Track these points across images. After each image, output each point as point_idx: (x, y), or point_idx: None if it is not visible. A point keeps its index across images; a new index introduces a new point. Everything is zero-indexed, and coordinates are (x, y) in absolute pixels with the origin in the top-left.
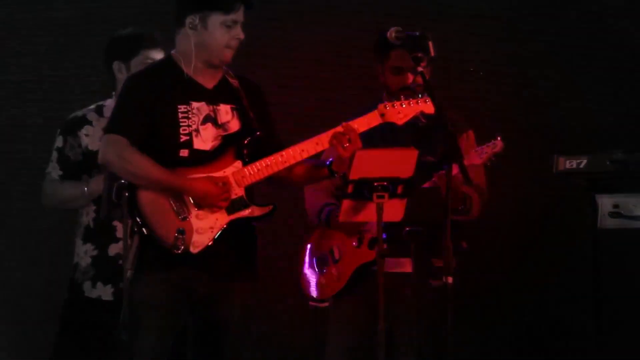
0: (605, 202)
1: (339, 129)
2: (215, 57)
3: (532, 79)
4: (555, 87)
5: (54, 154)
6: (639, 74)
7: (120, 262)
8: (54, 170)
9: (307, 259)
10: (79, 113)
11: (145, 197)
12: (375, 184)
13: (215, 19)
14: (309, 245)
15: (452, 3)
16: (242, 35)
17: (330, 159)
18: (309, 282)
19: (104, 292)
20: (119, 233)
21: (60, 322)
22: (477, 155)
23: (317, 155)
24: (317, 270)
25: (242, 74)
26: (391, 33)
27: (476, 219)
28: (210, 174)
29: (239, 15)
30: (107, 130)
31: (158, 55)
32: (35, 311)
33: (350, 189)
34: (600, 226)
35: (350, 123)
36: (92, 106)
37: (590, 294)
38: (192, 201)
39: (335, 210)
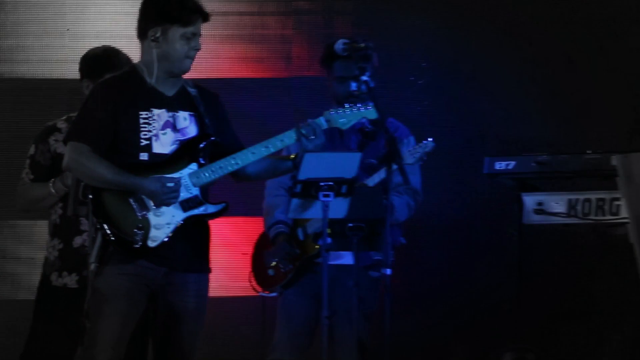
0: (530, 200)
1: (306, 123)
2: (176, 66)
3: (467, 85)
4: (488, 94)
5: (27, 161)
6: (561, 81)
7: (84, 252)
8: (26, 176)
9: (256, 252)
10: (50, 123)
11: (108, 197)
12: (322, 184)
13: (175, 32)
14: (259, 240)
15: (391, 10)
16: (199, 47)
17: (294, 153)
18: (259, 275)
19: (69, 280)
20: (83, 226)
21: (33, 313)
22: (410, 154)
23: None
24: (267, 263)
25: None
26: (338, 45)
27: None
28: (162, 175)
29: (197, 27)
30: (69, 137)
31: None
32: None
33: (299, 188)
34: (525, 222)
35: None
36: (64, 117)
37: (515, 280)
38: (150, 200)
39: (284, 233)
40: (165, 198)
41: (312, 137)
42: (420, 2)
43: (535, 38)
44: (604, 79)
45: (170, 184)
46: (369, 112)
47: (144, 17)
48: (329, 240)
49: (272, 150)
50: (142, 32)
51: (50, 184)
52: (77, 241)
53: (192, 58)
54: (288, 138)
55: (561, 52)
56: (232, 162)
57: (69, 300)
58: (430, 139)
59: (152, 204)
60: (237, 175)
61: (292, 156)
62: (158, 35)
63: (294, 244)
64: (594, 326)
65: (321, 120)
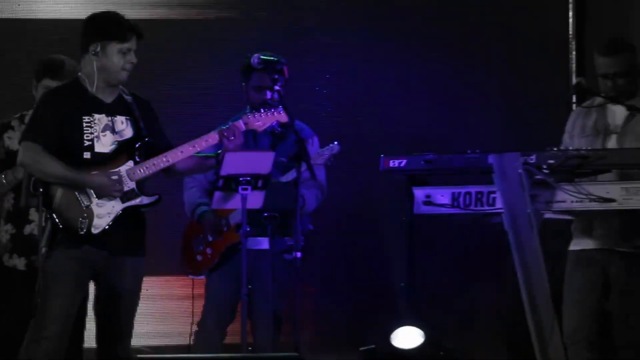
0: (420, 194)
1: (227, 126)
2: (114, 78)
3: (364, 93)
4: (383, 101)
5: None
6: (448, 88)
7: (33, 239)
8: None
9: (186, 240)
10: (5, 120)
11: (56, 190)
12: (241, 179)
13: (113, 47)
14: (186, 231)
15: (301, 29)
16: (135, 60)
17: (218, 151)
18: (189, 260)
19: (19, 262)
20: (32, 216)
21: None
22: (319, 156)
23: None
24: (195, 250)
25: (135, 92)
26: (254, 59)
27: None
28: (105, 170)
29: (132, 43)
30: (24, 138)
31: (55, 84)
32: None
33: (221, 182)
34: (416, 212)
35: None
36: (17, 115)
37: (407, 263)
38: (93, 193)
39: (208, 212)
40: (112, 189)
41: (232, 138)
42: (325, 23)
43: (429, 46)
44: (486, 84)
45: (115, 177)
46: (281, 116)
47: (86, 34)
48: (247, 228)
49: (198, 149)
50: (84, 46)
51: (3, 176)
52: (27, 229)
53: (128, 70)
54: (212, 138)
55: (452, 61)
56: (164, 159)
57: (16, 281)
58: (335, 142)
59: (94, 196)
60: (168, 171)
61: (216, 154)
62: (98, 50)
63: (219, 220)
64: (474, 301)
65: (240, 122)
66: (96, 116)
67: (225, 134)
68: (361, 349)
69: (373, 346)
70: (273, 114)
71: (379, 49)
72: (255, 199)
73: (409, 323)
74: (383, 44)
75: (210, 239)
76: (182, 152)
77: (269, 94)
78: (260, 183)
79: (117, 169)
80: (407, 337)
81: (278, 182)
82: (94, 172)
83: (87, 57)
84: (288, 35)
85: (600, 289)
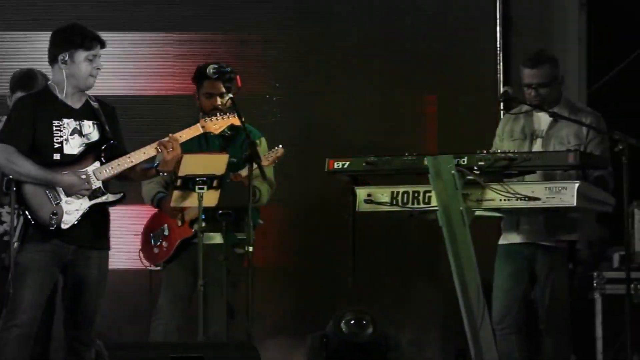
0: (362, 193)
1: (166, 139)
2: (82, 84)
3: (311, 100)
4: (328, 106)
5: None
6: (388, 96)
7: (4, 238)
8: None
9: (145, 234)
10: None
11: (28, 188)
12: (197, 179)
13: (80, 55)
14: (146, 224)
15: (252, 42)
16: (101, 66)
17: (157, 162)
18: (147, 252)
19: None
20: (4, 217)
21: None
22: (265, 159)
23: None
24: (152, 243)
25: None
26: (209, 69)
27: (267, 204)
28: (74, 171)
29: (97, 51)
30: None
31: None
32: None
33: (179, 182)
34: (358, 210)
35: (177, 134)
36: None
37: (350, 255)
38: (62, 191)
39: (165, 197)
40: (81, 188)
41: (170, 149)
42: (273, 33)
43: (369, 54)
44: (423, 92)
45: (83, 177)
46: (235, 120)
47: (54, 45)
48: (203, 224)
49: (153, 153)
50: (53, 57)
51: None
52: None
53: (95, 76)
54: (150, 150)
55: (393, 71)
56: (129, 160)
57: None
58: (280, 146)
59: (63, 194)
60: (126, 174)
61: (155, 165)
62: (66, 58)
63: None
64: (413, 287)
65: (197, 126)
66: (65, 120)
67: (163, 146)
68: (311, 335)
69: (323, 333)
70: (228, 117)
71: (324, 56)
72: (211, 198)
73: (357, 312)
74: (328, 51)
75: (166, 232)
76: (144, 153)
77: (219, 101)
78: (215, 182)
79: (84, 169)
80: (355, 325)
81: (232, 182)
82: (64, 172)
83: (57, 66)
84: (241, 45)
85: (526, 279)
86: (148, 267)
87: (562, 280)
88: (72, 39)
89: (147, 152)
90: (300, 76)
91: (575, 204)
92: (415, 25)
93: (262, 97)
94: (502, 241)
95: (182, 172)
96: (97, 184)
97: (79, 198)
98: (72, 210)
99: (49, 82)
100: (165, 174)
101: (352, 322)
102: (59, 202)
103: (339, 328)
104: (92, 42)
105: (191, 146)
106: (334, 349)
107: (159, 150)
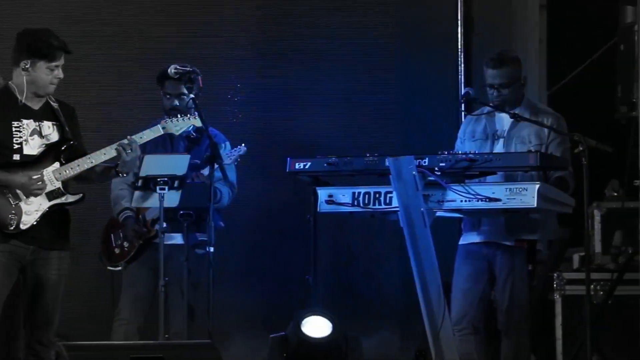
0: (323, 193)
1: (125, 140)
2: (41, 90)
3: (272, 101)
4: (289, 108)
5: None
6: (351, 98)
7: None
8: None
9: (105, 234)
10: None
11: None
12: (159, 179)
13: (41, 65)
14: (107, 225)
15: (215, 43)
16: (61, 75)
17: (116, 162)
18: (107, 252)
19: None
20: None
21: None
22: (227, 157)
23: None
24: (113, 243)
25: (61, 99)
26: (171, 69)
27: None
28: (29, 171)
29: (60, 61)
30: None
31: None
32: None
33: (140, 183)
34: (319, 210)
35: (137, 135)
36: None
37: (312, 255)
38: (20, 192)
39: (131, 218)
40: (33, 189)
41: (129, 151)
42: (236, 35)
43: (331, 56)
44: (383, 94)
45: (36, 177)
46: (196, 121)
47: (18, 50)
48: (164, 224)
49: (113, 154)
50: (15, 61)
51: None
52: None
53: (55, 84)
54: (110, 152)
55: (354, 72)
56: (88, 161)
57: None
58: (243, 145)
59: (23, 195)
60: (80, 176)
61: (115, 165)
62: (28, 66)
63: (140, 224)
64: (376, 286)
65: (158, 127)
66: (25, 121)
67: (122, 147)
68: (271, 336)
69: (283, 333)
70: (189, 118)
71: (285, 59)
72: (172, 198)
73: (317, 313)
74: (286, 53)
75: (130, 240)
76: (104, 154)
77: (178, 102)
78: (176, 183)
79: (41, 170)
80: (315, 325)
81: (193, 183)
82: (17, 173)
83: (18, 70)
84: (203, 46)
85: (486, 279)
86: (109, 268)
87: (521, 281)
88: (37, 48)
89: (107, 153)
90: (261, 76)
91: (535, 205)
92: (377, 24)
93: (224, 98)
94: (462, 241)
95: (143, 173)
96: (56, 184)
97: (39, 198)
98: (32, 210)
99: (10, 82)
100: (124, 175)
101: (312, 323)
102: (18, 203)
103: (299, 329)
104: (57, 52)
105: (156, 148)
106: (294, 349)
107: (118, 151)
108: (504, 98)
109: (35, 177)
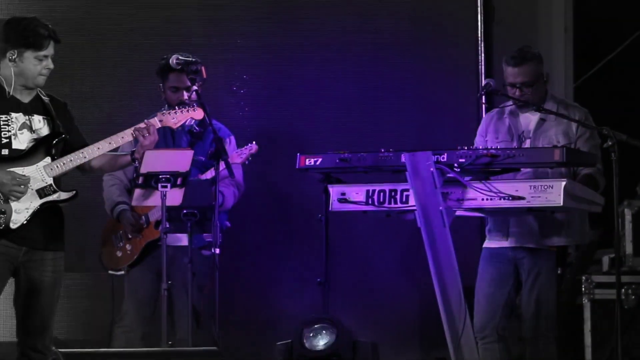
0: (335, 191)
1: (142, 125)
2: (31, 82)
3: (279, 94)
4: (297, 102)
5: None
6: (351, 94)
7: None
8: None
9: (105, 236)
10: None
11: None
12: (160, 176)
13: (30, 55)
14: (106, 228)
15: (221, 35)
16: (51, 66)
17: (133, 149)
18: (108, 256)
19: None
20: None
21: None
22: (238, 155)
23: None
24: (115, 246)
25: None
26: (173, 60)
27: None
28: (15, 169)
29: (49, 50)
30: None
31: None
32: None
33: (141, 180)
34: (331, 209)
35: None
36: None
37: (323, 257)
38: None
39: (126, 210)
40: (12, 189)
41: (147, 134)
42: (242, 25)
43: (344, 47)
44: (399, 85)
45: (19, 179)
46: (195, 113)
47: (3, 39)
48: (167, 224)
49: (114, 145)
50: (2, 51)
51: None
52: None
53: (45, 75)
54: (127, 135)
55: (367, 62)
56: (81, 155)
57: None
58: (254, 142)
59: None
60: (84, 168)
61: (131, 152)
62: (15, 57)
63: (136, 217)
64: (388, 297)
65: (155, 120)
66: (14, 115)
67: (139, 131)
68: (278, 343)
69: (290, 341)
70: (188, 111)
71: (294, 50)
72: (175, 197)
73: (321, 320)
74: (297, 45)
75: (130, 236)
76: (99, 148)
77: (185, 95)
78: (179, 181)
79: (34, 166)
80: (320, 334)
81: (197, 180)
82: (3, 170)
83: (5, 62)
84: (207, 35)
85: (511, 284)
86: (110, 272)
87: (549, 285)
88: (23, 37)
89: (101, 147)
90: (268, 67)
91: (562, 204)
92: (394, 17)
93: (228, 90)
94: (486, 244)
95: (144, 169)
96: (48, 180)
97: (29, 196)
98: (22, 208)
99: None
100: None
101: (316, 331)
102: (7, 200)
103: (302, 338)
104: (45, 41)
105: (157, 143)
106: (298, 358)
107: (136, 135)
108: (527, 97)
109: (19, 178)
